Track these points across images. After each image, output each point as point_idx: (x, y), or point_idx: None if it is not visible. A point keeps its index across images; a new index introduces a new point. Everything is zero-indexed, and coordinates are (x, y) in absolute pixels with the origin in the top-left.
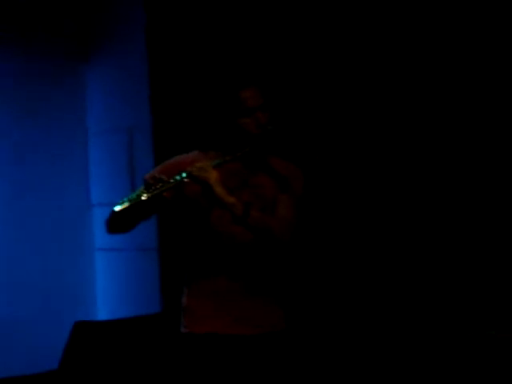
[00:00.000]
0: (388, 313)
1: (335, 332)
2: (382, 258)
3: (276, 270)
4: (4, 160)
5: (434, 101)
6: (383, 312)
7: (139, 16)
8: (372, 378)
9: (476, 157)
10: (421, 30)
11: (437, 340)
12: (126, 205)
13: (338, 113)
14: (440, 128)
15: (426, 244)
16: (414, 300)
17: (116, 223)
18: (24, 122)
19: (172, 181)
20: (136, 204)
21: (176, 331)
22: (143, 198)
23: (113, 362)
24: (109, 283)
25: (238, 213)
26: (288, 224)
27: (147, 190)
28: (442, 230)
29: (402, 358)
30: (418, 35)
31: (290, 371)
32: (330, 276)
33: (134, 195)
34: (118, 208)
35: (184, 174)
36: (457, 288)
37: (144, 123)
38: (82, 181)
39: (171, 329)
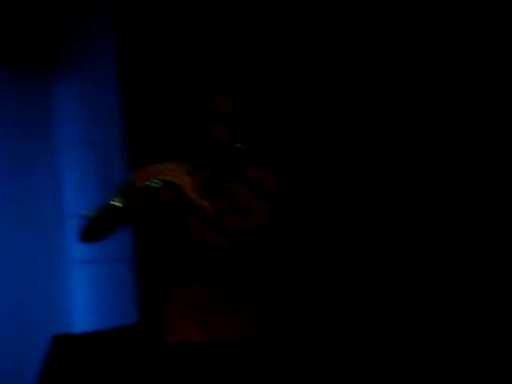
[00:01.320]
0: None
1: (314, 337)
2: (363, 261)
3: (252, 276)
4: None
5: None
6: (362, 314)
7: (108, 29)
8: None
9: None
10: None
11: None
12: (99, 212)
13: (309, 118)
14: (427, 127)
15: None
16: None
17: (89, 232)
18: None
19: (145, 187)
20: (109, 211)
21: (154, 341)
22: (116, 204)
23: (93, 375)
24: (84, 295)
25: (213, 218)
26: (262, 229)
27: (120, 197)
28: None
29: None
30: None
31: (267, 377)
32: (306, 280)
33: (107, 202)
34: (91, 216)
35: (157, 181)
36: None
37: (116, 134)
38: (55, 193)
39: (149, 339)
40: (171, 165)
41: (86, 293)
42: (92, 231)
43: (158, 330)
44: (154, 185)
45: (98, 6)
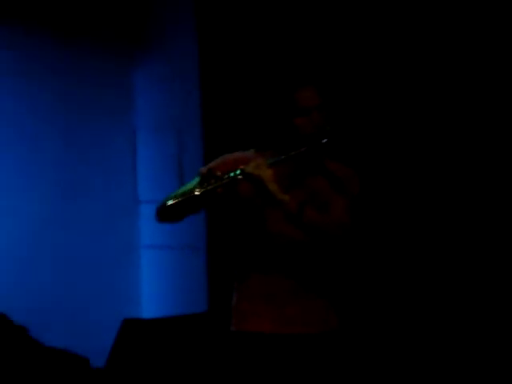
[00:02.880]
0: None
1: (390, 333)
2: (439, 255)
3: (329, 270)
4: (53, 159)
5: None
6: (442, 310)
7: (189, 16)
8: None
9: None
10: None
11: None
12: (178, 199)
13: (392, 114)
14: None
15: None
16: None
17: (166, 214)
18: (72, 121)
19: (226, 177)
20: (188, 198)
21: (225, 330)
22: (196, 193)
23: (160, 360)
24: (155, 281)
25: (293, 211)
26: (342, 224)
27: (201, 184)
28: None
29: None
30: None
31: (343, 372)
32: (384, 275)
33: (187, 188)
34: (170, 202)
35: (238, 171)
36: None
37: (194, 122)
38: (130, 178)
39: (219, 327)
40: (253, 155)
41: (156, 279)
42: (168, 213)
43: (228, 318)
44: (234, 176)
45: None
